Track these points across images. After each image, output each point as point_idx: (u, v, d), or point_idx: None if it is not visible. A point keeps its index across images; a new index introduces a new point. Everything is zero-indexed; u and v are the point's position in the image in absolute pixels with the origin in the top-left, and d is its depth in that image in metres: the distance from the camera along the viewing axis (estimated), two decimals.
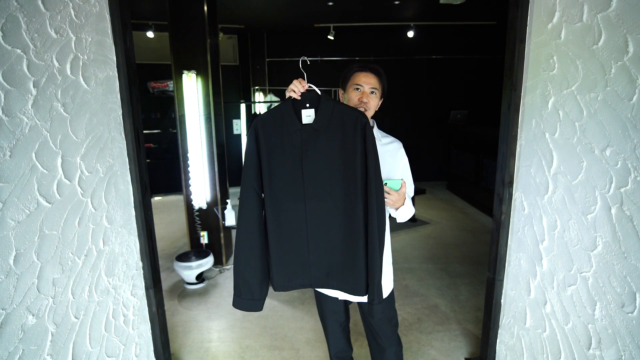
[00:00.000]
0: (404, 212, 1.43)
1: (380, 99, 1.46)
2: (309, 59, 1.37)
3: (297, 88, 1.26)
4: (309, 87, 1.27)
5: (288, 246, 1.32)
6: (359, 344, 2.28)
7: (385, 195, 1.32)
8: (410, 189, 1.52)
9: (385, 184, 1.33)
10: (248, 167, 1.30)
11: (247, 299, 1.34)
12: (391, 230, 1.51)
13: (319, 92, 1.27)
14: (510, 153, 1.72)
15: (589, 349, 1.38)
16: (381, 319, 1.54)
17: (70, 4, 1.33)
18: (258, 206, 1.31)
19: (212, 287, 3.10)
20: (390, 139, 1.52)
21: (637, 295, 1.17)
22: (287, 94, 1.30)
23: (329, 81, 5.87)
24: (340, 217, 1.28)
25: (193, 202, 3.30)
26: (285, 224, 1.30)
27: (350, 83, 1.43)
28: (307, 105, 1.26)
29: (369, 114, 1.43)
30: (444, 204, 5.45)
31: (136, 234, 1.77)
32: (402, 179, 1.37)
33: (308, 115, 1.26)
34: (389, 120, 6.16)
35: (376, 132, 1.50)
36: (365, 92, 1.40)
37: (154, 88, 5.82)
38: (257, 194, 1.30)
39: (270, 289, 1.41)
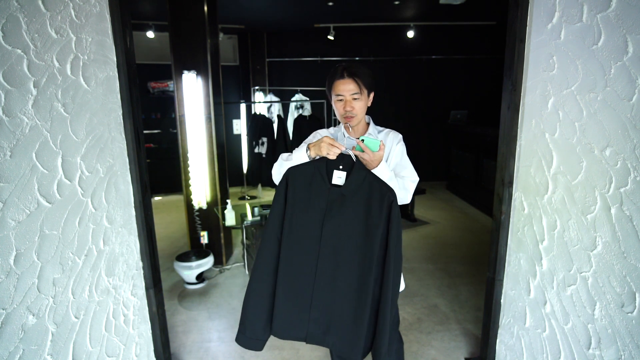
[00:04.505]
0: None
1: (369, 95, 1.43)
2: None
3: (332, 152, 1.26)
4: (344, 151, 1.28)
5: (292, 298, 1.35)
6: None
7: (360, 153, 1.29)
8: (414, 175, 1.50)
9: (362, 140, 1.28)
10: (274, 214, 1.33)
11: (250, 337, 1.37)
12: None
13: (354, 158, 1.28)
14: (510, 153, 1.72)
15: (589, 348, 1.38)
16: None
17: (71, 4, 1.33)
18: (276, 252, 1.34)
19: (212, 287, 3.10)
20: (385, 130, 1.54)
21: (637, 295, 1.17)
22: (321, 154, 1.29)
23: None
24: (350, 283, 1.30)
25: (193, 202, 3.30)
26: (293, 276, 1.33)
27: (333, 94, 1.42)
28: (340, 167, 1.28)
29: (359, 117, 1.43)
30: (444, 204, 5.45)
31: (136, 234, 1.77)
32: (381, 142, 1.30)
33: (339, 177, 1.28)
34: (389, 121, 6.16)
35: (372, 128, 1.51)
36: (347, 101, 1.39)
37: (154, 88, 5.82)
38: (278, 241, 1.34)
39: None
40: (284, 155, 1.43)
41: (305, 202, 1.30)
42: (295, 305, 1.34)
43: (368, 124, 1.54)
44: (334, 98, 1.43)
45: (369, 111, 1.52)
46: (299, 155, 1.35)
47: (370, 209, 1.26)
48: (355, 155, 1.28)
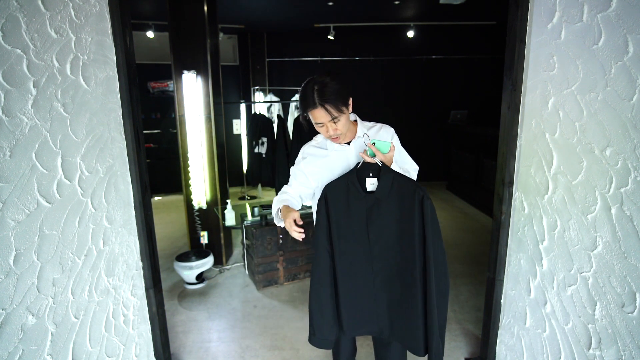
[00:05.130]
0: None
1: (348, 106, 1.38)
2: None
3: (294, 234, 1.32)
4: (369, 159, 1.35)
5: (357, 299, 1.44)
6: (359, 343, 2.28)
7: (371, 158, 1.35)
8: (413, 164, 1.59)
9: (373, 143, 1.35)
10: (319, 229, 1.42)
11: (320, 338, 1.49)
12: None
13: (380, 164, 1.34)
14: (510, 153, 1.72)
15: (589, 349, 1.38)
16: None
17: (70, 4, 1.33)
18: (329, 262, 1.44)
19: (212, 287, 3.10)
20: (377, 126, 1.53)
21: (637, 295, 1.17)
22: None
23: None
24: (402, 280, 1.39)
25: (193, 202, 3.30)
26: (354, 280, 1.43)
27: (311, 119, 1.38)
28: (371, 174, 1.36)
29: (345, 132, 1.41)
30: (444, 204, 5.44)
31: (136, 234, 1.77)
32: (391, 143, 1.37)
33: (372, 184, 1.36)
34: (389, 121, 6.14)
35: (360, 127, 1.49)
36: (328, 126, 1.36)
37: (154, 88, 5.82)
38: (328, 252, 1.43)
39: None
40: (274, 206, 1.49)
41: (346, 212, 1.39)
42: (361, 305, 1.44)
43: (355, 121, 1.52)
44: (313, 123, 1.40)
45: (357, 110, 1.52)
46: (277, 220, 1.46)
47: (404, 208, 1.33)
48: (381, 161, 1.34)
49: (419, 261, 1.33)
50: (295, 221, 1.30)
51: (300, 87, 1.38)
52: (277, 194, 1.57)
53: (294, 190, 1.52)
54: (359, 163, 1.38)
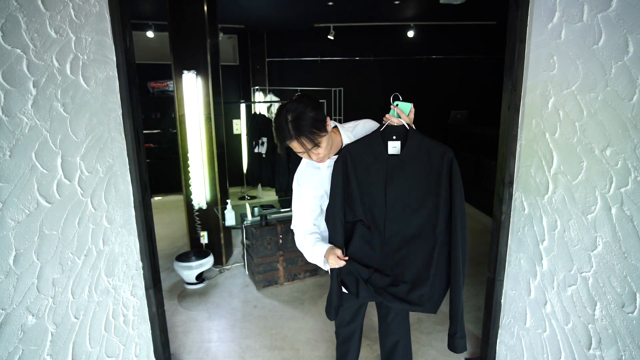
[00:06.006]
0: None
1: (326, 125, 1.31)
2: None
3: (339, 264, 1.35)
4: (396, 122, 1.36)
5: (373, 260, 1.43)
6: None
7: (396, 119, 1.35)
8: None
9: (397, 105, 1.36)
10: (335, 191, 1.40)
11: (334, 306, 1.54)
12: None
13: (407, 127, 1.34)
14: (510, 153, 1.72)
15: (589, 349, 1.38)
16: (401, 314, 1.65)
17: (70, 4, 1.33)
18: (343, 226, 1.43)
19: (212, 287, 3.10)
20: (359, 125, 1.49)
21: (638, 295, 1.17)
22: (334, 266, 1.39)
23: (328, 81, 5.87)
24: (422, 241, 1.38)
25: (193, 202, 3.30)
26: (369, 242, 1.42)
27: (291, 147, 1.34)
28: (394, 137, 1.36)
29: (328, 152, 1.36)
30: None
31: (136, 234, 1.76)
32: (411, 104, 1.38)
33: (394, 147, 1.37)
34: None
35: (344, 133, 1.44)
36: (309, 154, 1.32)
37: (154, 88, 5.82)
38: (341, 222, 1.42)
39: None
40: (304, 245, 1.47)
41: (366, 173, 1.38)
42: (381, 267, 1.43)
43: (335, 127, 1.46)
44: (294, 150, 1.35)
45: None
46: (318, 261, 1.44)
47: (430, 170, 1.34)
48: (407, 124, 1.35)
49: (442, 222, 1.34)
50: (338, 256, 1.37)
51: (274, 116, 1.32)
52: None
53: (307, 223, 1.47)
54: (382, 125, 1.37)
